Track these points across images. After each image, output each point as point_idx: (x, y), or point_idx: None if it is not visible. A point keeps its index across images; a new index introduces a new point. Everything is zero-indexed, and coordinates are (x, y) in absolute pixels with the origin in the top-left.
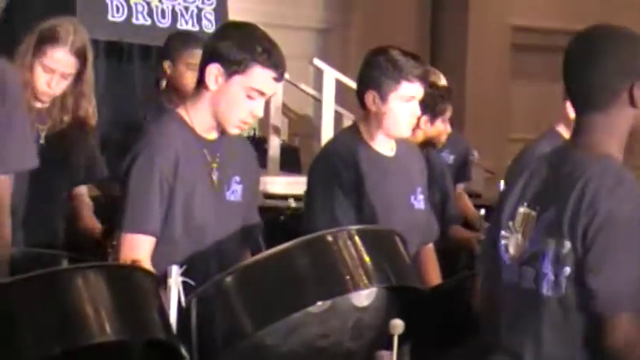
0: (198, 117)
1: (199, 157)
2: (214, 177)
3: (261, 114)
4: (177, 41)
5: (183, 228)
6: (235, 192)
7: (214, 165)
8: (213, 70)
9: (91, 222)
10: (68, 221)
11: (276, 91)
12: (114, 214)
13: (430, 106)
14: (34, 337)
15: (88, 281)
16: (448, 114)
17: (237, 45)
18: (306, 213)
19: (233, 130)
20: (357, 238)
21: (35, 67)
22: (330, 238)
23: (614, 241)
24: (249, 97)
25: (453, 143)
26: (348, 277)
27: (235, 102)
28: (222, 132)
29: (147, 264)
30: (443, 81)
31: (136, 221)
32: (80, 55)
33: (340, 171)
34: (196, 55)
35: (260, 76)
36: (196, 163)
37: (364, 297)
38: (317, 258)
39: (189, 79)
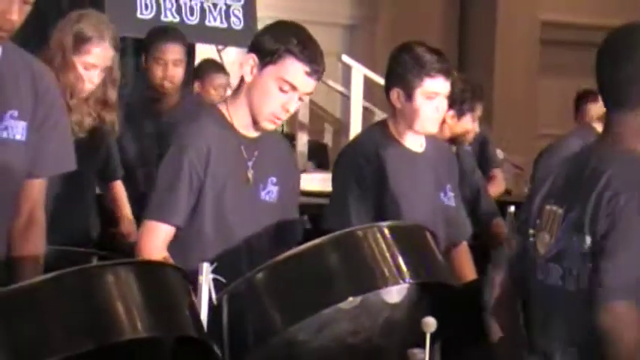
0: (238, 112)
1: (235, 153)
2: (250, 175)
3: (292, 109)
4: (150, 35)
5: (213, 223)
6: (271, 192)
7: (250, 163)
8: (250, 61)
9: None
10: (106, 220)
11: (311, 90)
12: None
13: (457, 101)
14: (65, 334)
15: (119, 278)
16: (478, 112)
17: (274, 36)
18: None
19: (266, 125)
20: (387, 234)
21: (76, 65)
22: (360, 234)
23: (630, 231)
24: (282, 89)
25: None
26: (378, 273)
27: (267, 93)
28: (259, 128)
29: (161, 252)
30: None
31: (159, 209)
32: (116, 45)
33: (361, 166)
34: (163, 49)
35: (292, 67)
36: (231, 159)
37: (395, 293)
38: (347, 254)
39: (158, 72)
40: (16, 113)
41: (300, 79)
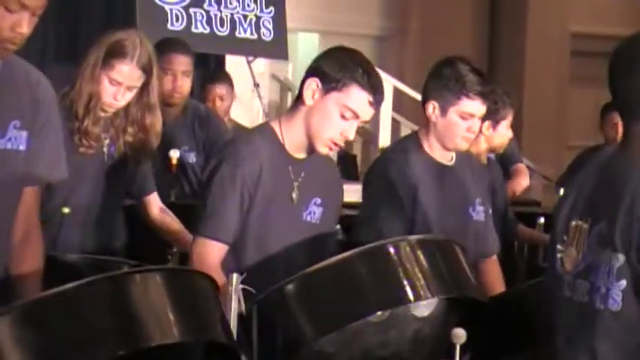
0: (291, 133)
1: (283, 173)
2: (294, 195)
3: (352, 136)
4: (158, 47)
5: (254, 241)
6: (312, 213)
7: (296, 184)
8: (312, 85)
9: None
10: (130, 231)
11: (369, 118)
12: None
13: (492, 111)
14: (96, 340)
15: (149, 284)
16: (510, 118)
17: (339, 63)
18: (357, 220)
19: (322, 149)
20: (417, 248)
21: (102, 80)
22: (390, 248)
23: None
24: (343, 116)
25: None
26: (408, 287)
27: (329, 119)
28: (312, 151)
29: (217, 271)
30: None
31: (211, 227)
32: (146, 68)
33: (392, 178)
34: (172, 60)
35: (357, 96)
36: (279, 178)
37: (424, 307)
38: (377, 267)
39: (167, 83)
40: (18, 124)
41: (363, 108)
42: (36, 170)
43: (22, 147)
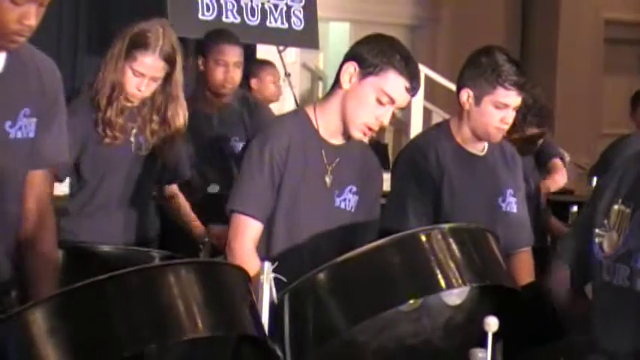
0: (326, 117)
1: (315, 155)
2: (327, 179)
3: (386, 122)
4: (209, 37)
5: (284, 221)
6: (347, 201)
7: (329, 168)
8: (349, 69)
9: (192, 219)
10: (162, 221)
11: (405, 105)
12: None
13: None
14: (127, 333)
15: (180, 277)
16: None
17: (377, 49)
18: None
19: (356, 134)
20: (449, 236)
21: (126, 71)
22: (422, 236)
23: None
24: (379, 101)
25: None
26: (440, 276)
27: (365, 103)
28: (347, 137)
29: (252, 251)
30: None
31: (243, 200)
32: (169, 59)
33: (419, 166)
34: (224, 51)
35: (394, 81)
36: (310, 160)
37: (456, 296)
38: (409, 256)
39: (219, 74)
40: (28, 111)
41: (399, 93)
42: (41, 154)
43: (31, 134)
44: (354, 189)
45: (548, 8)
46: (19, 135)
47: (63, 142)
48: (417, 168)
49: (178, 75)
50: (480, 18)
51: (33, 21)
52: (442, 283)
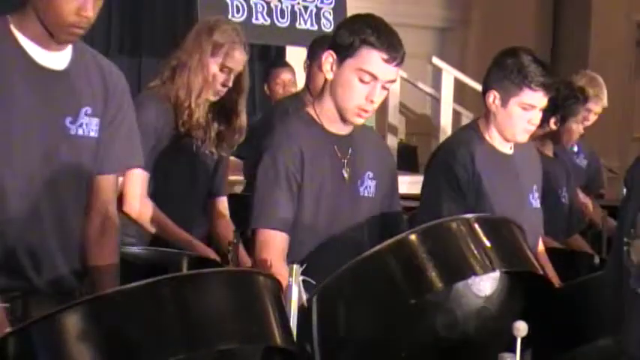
0: (324, 111)
1: (329, 153)
2: (345, 173)
3: (377, 99)
4: (315, 43)
5: (311, 225)
6: (368, 187)
7: (345, 161)
8: (328, 58)
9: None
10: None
11: (392, 77)
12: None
13: (561, 106)
14: (156, 341)
15: (211, 287)
16: (581, 115)
17: (348, 30)
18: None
19: (354, 119)
20: (475, 226)
21: (211, 67)
22: (447, 226)
23: None
24: (362, 80)
25: (587, 148)
26: (468, 263)
27: (349, 86)
28: (348, 124)
29: (280, 262)
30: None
31: (267, 217)
32: (247, 52)
33: (452, 168)
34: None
35: (368, 56)
36: (325, 160)
37: (487, 285)
38: (435, 246)
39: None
40: (89, 110)
41: (378, 67)
42: (109, 159)
43: (92, 134)
44: (371, 174)
45: (580, 11)
46: (80, 132)
47: (134, 145)
48: (451, 171)
49: (245, 75)
50: (510, 20)
51: (91, 12)
52: (469, 269)
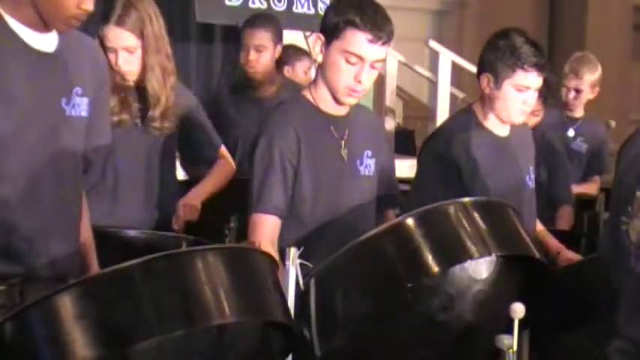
0: (320, 93)
1: (326, 134)
2: (344, 153)
3: (366, 79)
4: (245, 22)
5: (312, 207)
6: (368, 165)
7: (342, 141)
8: (317, 42)
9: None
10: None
11: (380, 57)
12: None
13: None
14: (154, 318)
15: (207, 263)
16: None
17: (334, 11)
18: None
19: (345, 100)
20: (472, 210)
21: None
22: (443, 210)
23: None
24: (349, 62)
25: (589, 132)
26: (464, 247)
27: (337, 68)
28: (342, 104)
29: (268, 244)
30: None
31: (260, 202)
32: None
33: (446, 152)
34: (254, 35)
35: (352, 37)
36: (323, 141)
37: (483, 269)
38: (432, 229)
39: (250, 58)
40: (80, 90)
41: (363, 48)
42: (98, 137)
43: (84, 113)
44: (370, 152)
45: None
46: (74, 113)
47: (107, 123)
48: (444, 155)
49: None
50: (507, 3)
51: (91, 6)
52: (466, 253)
